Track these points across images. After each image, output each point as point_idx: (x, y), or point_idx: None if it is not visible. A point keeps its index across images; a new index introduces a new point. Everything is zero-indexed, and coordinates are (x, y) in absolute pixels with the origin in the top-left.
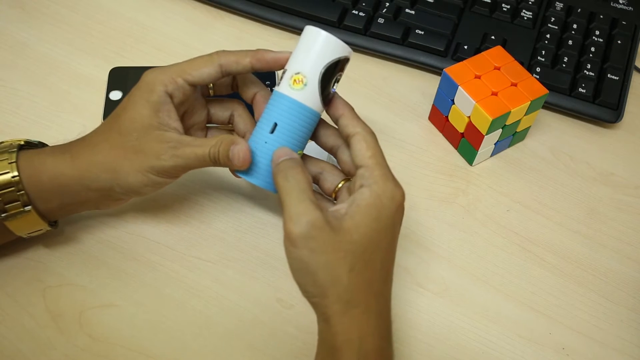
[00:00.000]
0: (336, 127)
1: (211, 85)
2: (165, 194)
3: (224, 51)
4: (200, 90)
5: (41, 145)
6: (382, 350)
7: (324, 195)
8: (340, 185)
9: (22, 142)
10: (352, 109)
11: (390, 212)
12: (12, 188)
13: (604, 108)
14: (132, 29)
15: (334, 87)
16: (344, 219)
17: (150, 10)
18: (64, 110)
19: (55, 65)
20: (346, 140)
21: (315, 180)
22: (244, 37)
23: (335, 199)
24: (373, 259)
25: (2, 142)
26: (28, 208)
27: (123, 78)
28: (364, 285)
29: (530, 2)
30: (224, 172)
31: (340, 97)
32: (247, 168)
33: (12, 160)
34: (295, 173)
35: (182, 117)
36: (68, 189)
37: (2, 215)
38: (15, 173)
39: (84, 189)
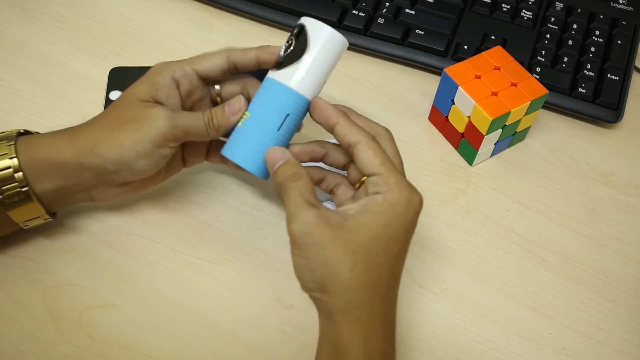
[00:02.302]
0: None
1: (219, 91)
2: (165, 194)
3: (230, 47)
4: (209, 94)
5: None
6: (386, 352)
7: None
8: (364, 178)
9: (22, 130)
10: (344, 114)
11: (404, 219)
12: (10, 169)
13: (604, 108)
14: (132, 29)
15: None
16: (348, 219)
17: (150, 10)
18: (64, 110)
19: (55, 65)
20: (347, 150)
21: (345, 167)
22: (244, 37)
23: (358, 189)
24: (379, 263)
25: (3, 132)
26: (25, 189)
27: (123, 78)
28: (368, 287)
29: (530, 2)
30: (224, 171)
31: (329, 105)
32: (233, 148)
33: (11, 143)
34: (293, 182)
35: None
36: (63, 169)
37: None
38: (14, 155)
39: (78, 167)
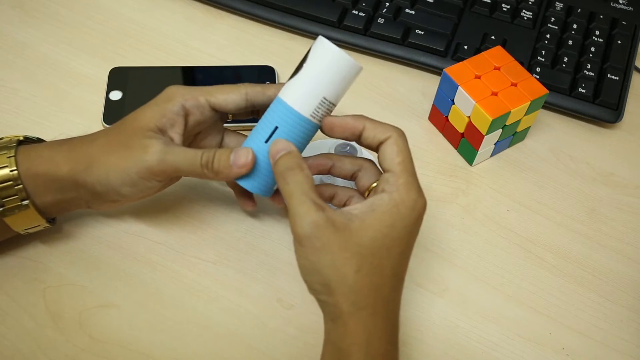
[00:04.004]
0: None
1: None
2: (165, 194)
3: (249, 83)
4: (219, 115)
5: (39, 141)
6: (388, 354)
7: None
8: (374, 184)
9: (21, 138)
10: (365, 117)
11: (407, 221)
12: (10, 182)
13: (604, 108)
14: (132, 29)
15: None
16: (353, 220)
17: (150, 10)
18: (64, 110)
19: (55, 65)
20: (377, 148)
21: (353, 177)
22: (244, 37)
23: (367, 197)
24: (383, 264)
25: (2, 138)
26: (25, 202)
27: (123, 78)
28: (372, 288)
29: (530, 2)
30: None
31: (344, 117)
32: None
33: (11, 155)
34: (294, 174)
35: (195, 138)
36: (60, 184)
37: (0, 209)
38: (14, 167)
39: (73, 183)
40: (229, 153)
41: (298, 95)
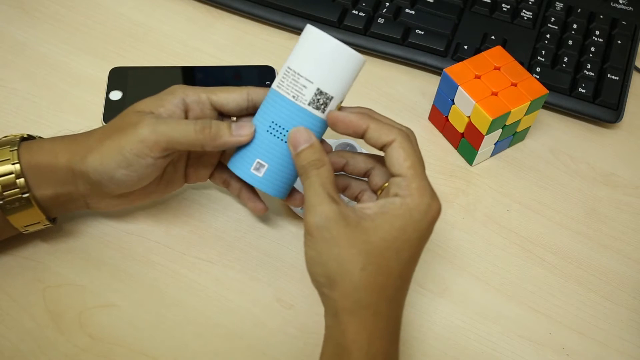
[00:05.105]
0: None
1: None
2: None
3: (254, 87)
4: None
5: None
6: (389, 354)
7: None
8: (387, 184)
9: (25, 135)
10: (370, 116)
11: (420, 226)
12: (12, 174)
13: (604, 108)
14: (132, 29)
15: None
16: (365, 219)
17: (150, 10)
18: (64, 110)
19: (55, 65)
20: (382, 150)
21: (367, 174)
22: (244, 37)
23: (379, 195)
24: (390, 266)
25: (6, 136)
26: (26, 195)
27: (123, 78)
28: (376, 288)
29: (530, 2)
30: None
31: (349, 113)
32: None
33: (14, 148)
34: (314, 168)
35: (199, 154)
36: (58, 175)
37: (0, 202)
38: (16, 160)
39: (70, 174)
40: (230, 123)
41: (279, 77)
